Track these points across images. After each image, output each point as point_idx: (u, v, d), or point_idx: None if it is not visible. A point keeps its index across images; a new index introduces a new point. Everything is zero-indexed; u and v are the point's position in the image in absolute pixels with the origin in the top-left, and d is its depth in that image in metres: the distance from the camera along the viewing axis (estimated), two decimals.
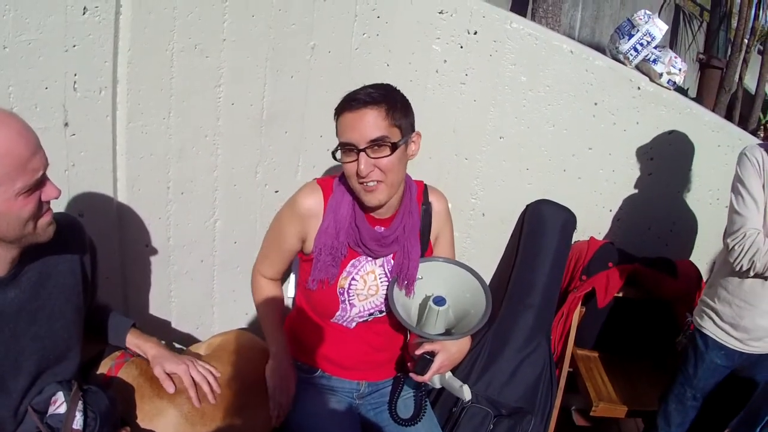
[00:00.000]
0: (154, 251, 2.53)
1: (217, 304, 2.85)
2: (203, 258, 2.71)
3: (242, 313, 2.97)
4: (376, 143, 1.77)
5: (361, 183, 1.83)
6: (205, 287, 2.79)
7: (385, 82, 1.88)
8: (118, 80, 2.18)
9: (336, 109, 1.84)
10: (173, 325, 2.73)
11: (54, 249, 1.63)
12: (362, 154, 1.78)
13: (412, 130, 1.89)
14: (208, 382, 1.90)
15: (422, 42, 2.92)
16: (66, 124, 2.09)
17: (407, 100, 1.89)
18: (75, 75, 2.06)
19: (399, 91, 1.89)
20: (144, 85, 2.24)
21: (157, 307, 2.65)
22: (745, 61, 8.35)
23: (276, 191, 2.79)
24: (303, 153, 2.82)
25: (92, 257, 1.82)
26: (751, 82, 8.96)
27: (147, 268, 2.55)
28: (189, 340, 2.77)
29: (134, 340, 1.95)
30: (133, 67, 2.19)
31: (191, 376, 1.88)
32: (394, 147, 1.79)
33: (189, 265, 2.67)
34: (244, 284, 2.79)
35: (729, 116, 7.59)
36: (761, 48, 9.90)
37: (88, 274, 1.79)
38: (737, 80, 8.17)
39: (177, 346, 2.63)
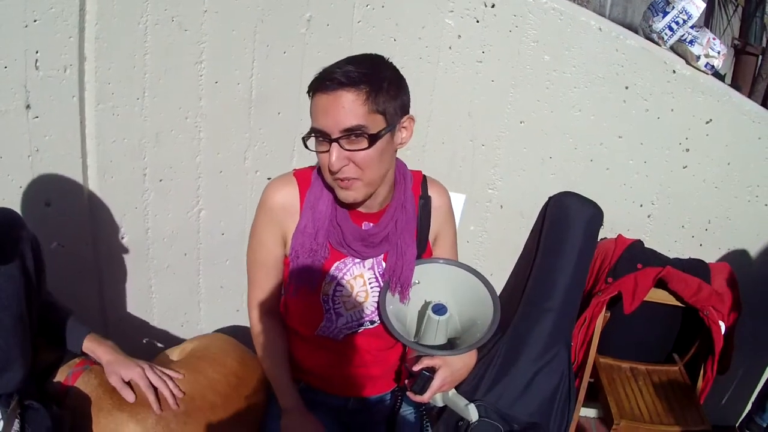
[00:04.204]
0: (132, 244, 2.36)
1: (203, 300, 2.68)
2: (186, 251, 2.53)
3: (232, 310, 2.80)
4: (352, 133, 1.52)
5: (335, 178, 1.60)
6: (190, 282, 2.61)
7: (372, 53, 1.64)
8: (85, 57, 2.02)
9: (309, 87, 1.59)
10: (155, 323, 2.57)
11: None
12: (335, 144, 1.54)
13: (404, 113, 1.63)
14: (168, 387, 1.77)
15: (434, 15, 2.69)
16: (28, 107, 1.94)
17: (399, 77, 1.62)
18: (36, 52, 1.91)
19: (389, 64, 1.63)
20: (114, 63, 2.07)
21: (136, 304, 2.49)
22: None
23: (268, 178, 2.59)
24: (298, 136, 2.53)
25: (35, 255, 1.62)
26: None
27: (124, 263, 2.38)
28: (173, 339, 2.62)
29: (89, 345, 1.79)
30: (101, 42, 2.02)
31: (148, 380, 1.75)
32: (373, 139, 1.54)
33: (170, 259, 2.50)
34: (232, 278, 2.71)
35: (764, 105, 7.33)
36: None
37: (32, 276, 1.60)
38: None
39: (159, 345, 2.48)
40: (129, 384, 1.73)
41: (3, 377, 1.49)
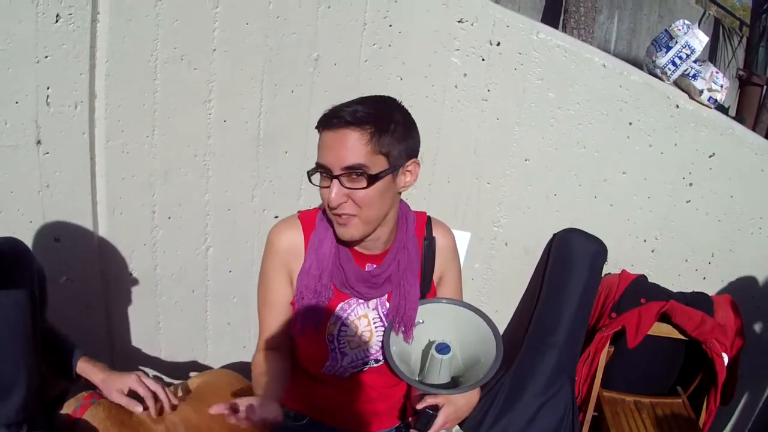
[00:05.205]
0: (140, 280, 2.37)
1: (210, 337, 2.67)
2: (194, 288, 2.54)
3: (239, 347, 2.78)
4: (353, 171, 1.54)
5: (333, 213, 1.62)
6: (197, 319, 2.61)
7: (385, 95, 1.66)
8: (95, 94, 2.05)
9: (318, 123, 1.60)
10: (163, 359, 2.57)
11: None
12: (335, 181, 1.55)
13: (410, 157, 1.64)
14: (164, 392, 1.83)
15: (440, 54, 2.71)
16: (38, 142, 1.97)
17: (409, 122, 1.63)
18: (48, 88, 1.94)
19: (401, 108, 1.64)
20: (124, 100, 2.10)
21: (144, 340, 2.49)
22: None
23: (276, 217, 2.60)
24: (306, 175, 2.57)
25: (40, 285, 1.66)
26: None
27: (132, 298, 2.39)
28: (180, 374, 2.60)
29: (83, 366, 1.82)
30: (111, 79, 2.05)
31: (145, 385, 1.79)
32: (372, 179, 1.55)
33: (178, 296, 2.50)
34: (239, 315, 2.71)
35: None
36: None
37: (37, 305, 1.64)
38: None
39: (166, 380, 2.48)
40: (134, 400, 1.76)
41: (8, 401, 1.51)
